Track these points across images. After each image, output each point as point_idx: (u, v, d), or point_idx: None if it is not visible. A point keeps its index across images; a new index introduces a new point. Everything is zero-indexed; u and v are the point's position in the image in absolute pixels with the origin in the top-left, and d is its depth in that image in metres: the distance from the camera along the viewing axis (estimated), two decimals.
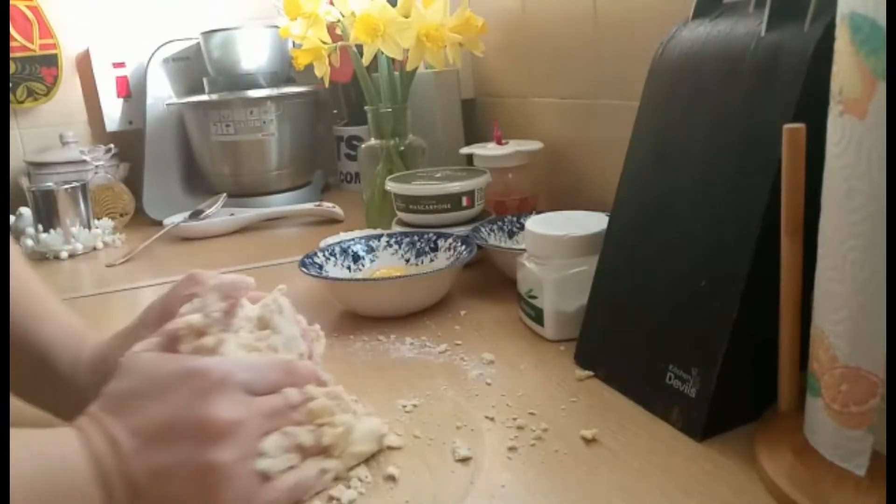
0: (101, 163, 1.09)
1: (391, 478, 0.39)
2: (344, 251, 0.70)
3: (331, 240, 0.77)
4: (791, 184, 0.36)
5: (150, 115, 1.17)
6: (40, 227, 0.98)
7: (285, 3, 0.83)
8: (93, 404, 0.36)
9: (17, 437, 0.31)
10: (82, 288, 0.84)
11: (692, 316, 0.42)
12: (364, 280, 0.66)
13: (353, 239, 0.72)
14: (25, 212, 1.03)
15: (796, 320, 0.37)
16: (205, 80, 1.14)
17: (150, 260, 0.93)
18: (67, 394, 0.43)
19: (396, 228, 0.78)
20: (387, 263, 0.71)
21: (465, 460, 0.40)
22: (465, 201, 0.76)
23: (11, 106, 1.19)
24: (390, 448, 0.42)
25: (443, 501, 0.37)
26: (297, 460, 0.38)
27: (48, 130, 1.21)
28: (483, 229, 0.72)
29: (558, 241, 0.55)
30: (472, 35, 0.83)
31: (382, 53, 0.82)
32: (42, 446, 0.32)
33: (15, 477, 0.30)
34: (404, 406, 0.47)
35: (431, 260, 0.70)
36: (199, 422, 0.34)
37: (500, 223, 0.74)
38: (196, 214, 1.03)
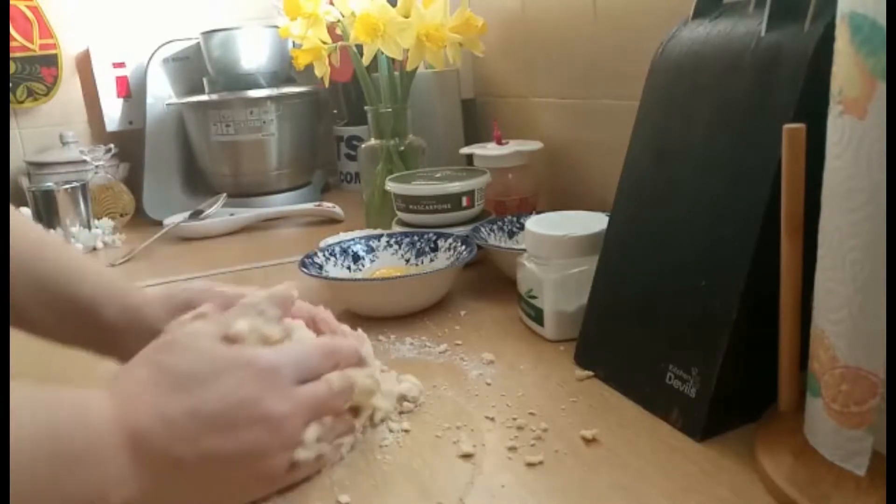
0: (101, 163, 1.09)
1: (391, 478, 0.39)
2: (344, 251, 0.70)
3: (331, 240, 0.77)
4: (791, 184, 0.36)
5: (150, 115, 1.17)
6: (40, 226, 0.98)
7: (285, 3, 0.83)
8: (137, 368, 0.36)
9: (28, 397, 0.31)
10: None
11: (692, 316, 0.42)
12: (364, 280, 0.66)
13: (353, 239, 0.72)
14: (25, 212, 1.03)
15: (796, 320, 0.37)
16: (205, 80, 1.14)
17: (150, 260, 0.93)
18: (114, 341, 0.46)
19: (396, 228, 0.78)
20: (387, 263, 0.71)
21: (465, 460, 0.40)
22: (465, 201, 0.76)
23: (11, 106, 1.19)
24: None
25: (443, 501, 0.37)
26: (326, 448, 0.40)
27: (48, 130, 1.22)
28: (483, 229, 0.72)
29: (558, 241, 0.55)
30: (472, 35, 0.83)
31: (382, 53, 0.82)
32: (62, 406, 0.32)
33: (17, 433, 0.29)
34: (404, 406, 0.47)
35: (431, 260, 0.70)
36: (255, 415, 0.35)
37: (500, 223, 0.74)
38: (196, 214, 1.03)
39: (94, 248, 1.00)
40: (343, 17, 0.85)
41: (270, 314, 0.41)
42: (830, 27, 0.34)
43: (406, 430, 0.44)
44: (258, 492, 0.37)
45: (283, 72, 1.17)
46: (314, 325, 0.46)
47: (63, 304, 0.45)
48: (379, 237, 0.72)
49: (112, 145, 1.10)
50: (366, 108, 0.89)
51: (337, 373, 0.40)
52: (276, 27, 0.95)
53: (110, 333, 0.46)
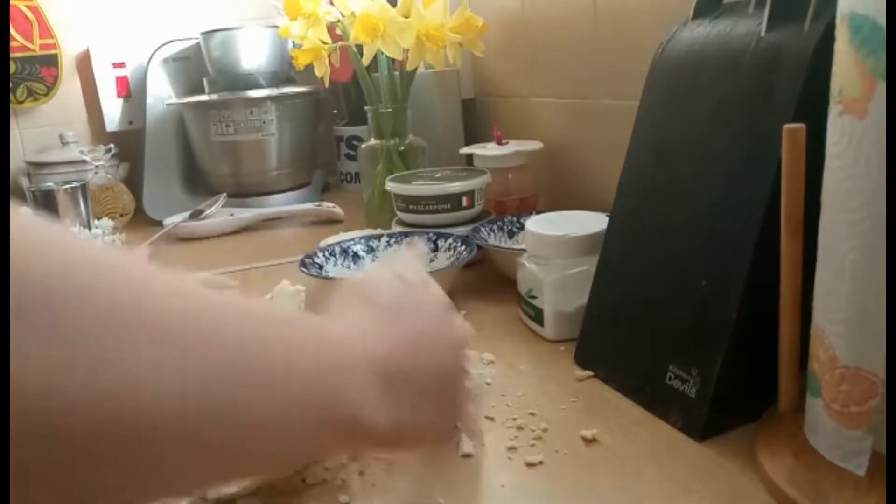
0: (101, 163, 1.09)
1: (390, 478, 0.39)
2: (344, 251, 0.70)
3: (331, 240, 0.77)
4: (791, 184, 0.36)
5: (150, 115, 1.17)
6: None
7: (285, 3, 0.83)
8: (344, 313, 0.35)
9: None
10: None
11: (692, 316, 0.42)
12: None
13: (353, 239, 0.72)
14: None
15: (796, 320, 0.37)
16: (205, 80, 1.14)
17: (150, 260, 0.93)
18: None
19: (396, 228, 0.78)
20: None
21: (465, 460, 0.40)
22: (465, 201, 0.75)
23: (11, 106, 1.19)
24: None
25: (443, 501, 0.37)
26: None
27: (48, 130, 1.21)
28: (483, 229, 0.72)
29: (558, 241, 0.55)
30: (472, 35, 0.83)
31: (382, 53, 0.82)
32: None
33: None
34: None
35: (431, 260, 0.70)
36: (450, 335, 0.37)
37: (500, 223, 0.74)
38: (196, 214, 1.03)
39: None
40: (343, 17, 0.85)
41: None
42: (830, 27, 0.34)
43: None
44: (454, 412, 0.37)
45: (283, 72, 1.17)
46: None
47: None
48: (379, 237, 0.72)
49: (112, 145, 1.10)
50: (366, 108, 0.89)
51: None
52: (276, 27, 0.95)
53: None
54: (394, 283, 0.38)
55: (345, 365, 0.30)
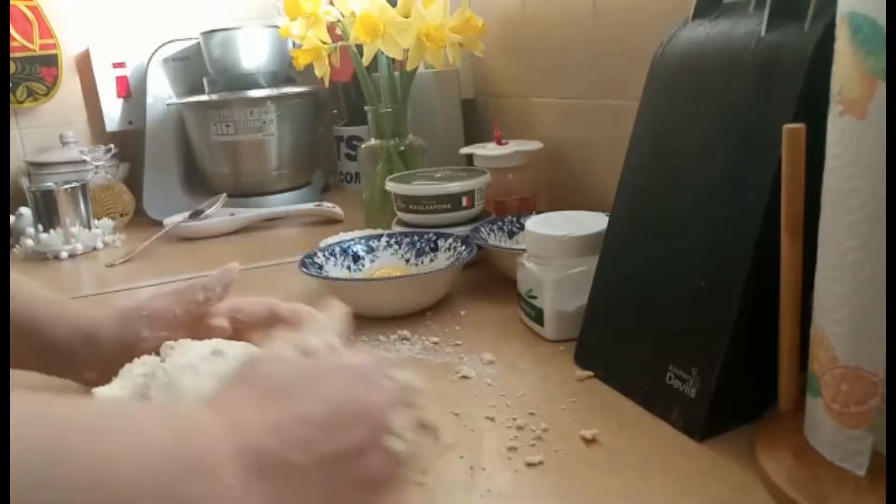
0: (101, 163, 1.09)
1: None
2: (344, 251, 0.70)
3: (331, 240, 0.77)
4: (791, 184, 0.36)
5: (150, 115, 1.17)
6: (40, 227, 0.98)
7: (285, 3, 0.83)
8: (233, 388, 0.34)
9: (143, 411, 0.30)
10: (82, 288, 0.84)
11: (692, 316, 0.42)
12: (364, 280, 0.66)
13: (353, 239, 0.72)
14: (25, 212, 1.03)
15: (796, 320, 0.37)
16: (205, 80, 1.14)
17: (150, 260, 0.93)
18: (68, 360, 0.48)
19: (396, 228, 0.78)
20: (387, 263, 0.71)
21: (465, 459, 0.40)
22: (465, 201, 0.76)
23: (11, 106, 1.19)
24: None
25: (443, 502, 0.37)
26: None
27: (48, 130, 1.21)
28: (483, 229, 0.72)
29: (558, 241, 0.55)
30: (472, 35, 0.83)
31: (382, 53, 0.82)
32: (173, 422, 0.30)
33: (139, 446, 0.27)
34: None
35: (431, 260, 0.70)
36: (359, 412, 0.34)
37: (500, 223, 0.74)
38: (196, 214, 1.03)
39: (95, 248, 1.00)
40: (343, 17, 0.85)
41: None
42: (830, 27, 0.34)
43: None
44: (369, 499, 0.34)
45: (283, 72, 1.17)
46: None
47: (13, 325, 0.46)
48: (379, 237, 0.72)
49: (112, 145, 1.10)
50: (366, 108, 0.89)
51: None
52: (276, 27, 0.95)
53: (60, 353, 0.47)
54: (288, 359, 0.36)
55: (206, 453, 0.29)
